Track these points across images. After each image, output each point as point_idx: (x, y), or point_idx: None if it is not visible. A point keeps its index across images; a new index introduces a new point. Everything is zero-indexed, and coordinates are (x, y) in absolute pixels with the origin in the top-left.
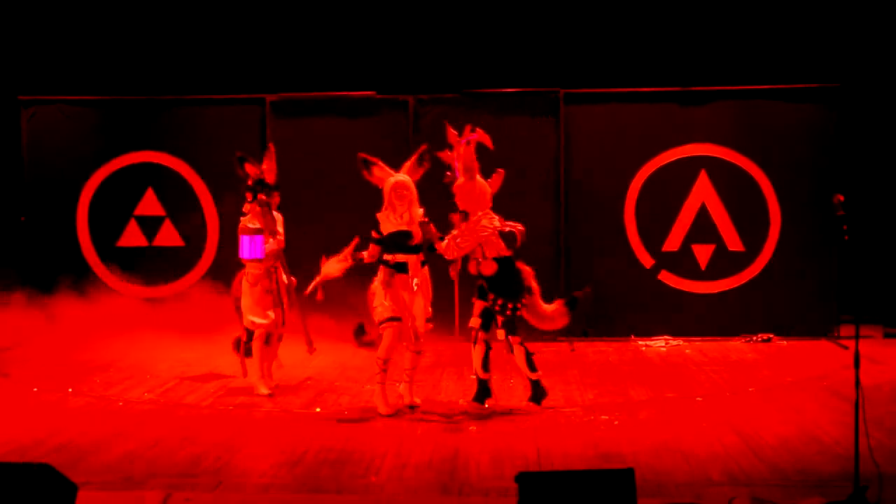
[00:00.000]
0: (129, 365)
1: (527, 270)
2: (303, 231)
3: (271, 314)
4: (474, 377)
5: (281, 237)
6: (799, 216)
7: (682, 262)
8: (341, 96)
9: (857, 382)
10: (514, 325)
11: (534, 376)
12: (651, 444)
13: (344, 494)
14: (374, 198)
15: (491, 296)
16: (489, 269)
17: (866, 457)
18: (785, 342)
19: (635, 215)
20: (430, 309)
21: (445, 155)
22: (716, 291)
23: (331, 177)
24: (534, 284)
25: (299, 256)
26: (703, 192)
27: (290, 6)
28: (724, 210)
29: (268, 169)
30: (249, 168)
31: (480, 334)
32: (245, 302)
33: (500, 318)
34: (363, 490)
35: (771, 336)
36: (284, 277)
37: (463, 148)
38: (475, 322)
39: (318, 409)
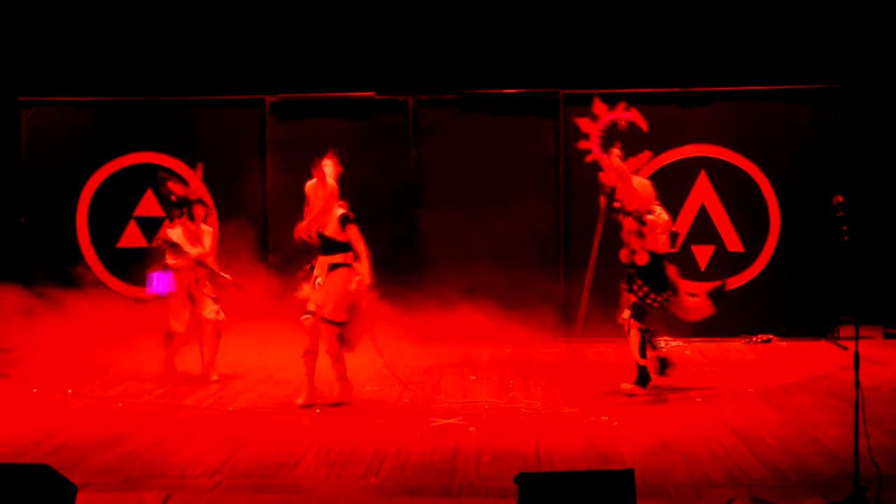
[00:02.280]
0: (128, 366)
1: (673, 269)
2: None
3: (184, 320)
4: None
5: (205, 249)
6: (799, 217)
7: (682, 263)
8: (341, 97)
9: (857, 383)
10: (643, 314)
11: (642, 362)
12: (651, 445)
13: (344, 494)
14: (373, 198)
15: (639, 282)
16: (643, 259)
17: (866, 457)
18: (785, 343)
19: None
20: (333, 310)
21: (585, 124)
22: (707, 287)
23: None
24: (678, 282)
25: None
26: (702, 193)
27: (289, 7)
28: (723, 211)
29: (195, 186)
30: (173, 186)
31: (633, 323)
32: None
33: (633, 299)
34: (363, 490)
35: (771, 337)
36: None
37: (607, 125)
38: (626, 314)
39: (317, 410)
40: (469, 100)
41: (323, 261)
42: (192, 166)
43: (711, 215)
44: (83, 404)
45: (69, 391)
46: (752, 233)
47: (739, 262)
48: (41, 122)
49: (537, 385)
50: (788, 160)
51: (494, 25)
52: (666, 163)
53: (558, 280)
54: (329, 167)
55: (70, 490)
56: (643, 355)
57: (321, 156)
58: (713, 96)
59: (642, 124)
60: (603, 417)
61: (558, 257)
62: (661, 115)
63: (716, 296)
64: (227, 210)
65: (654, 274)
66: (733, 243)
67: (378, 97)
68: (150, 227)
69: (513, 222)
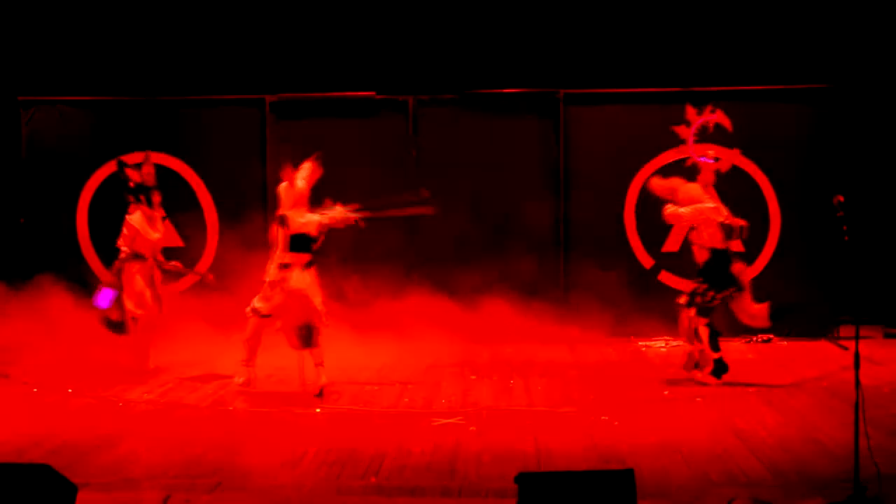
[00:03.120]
0: (128, 366)
1: (741, 268)
2: None
3: (145, 304)
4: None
5: (160, 234)
6: (799, 217)
7: (683, 263)
8: (341, 97)
9: (857, 383)
10: (707, 310)
11: (715, 355)
12: (651, 445)
13: (344, 495)
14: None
15: (699, 279)
16: (702, 256)
17: (866, 457)
18: (785, 343)
19: (635, 215)
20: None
21: (682, 130)
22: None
23: (330, 177)
24: (745, 281)
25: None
26: None
27: (289, 6)
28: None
29: (147, 173)
30: (130, 173)
31: (699, 319)
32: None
33: (698, 299)
34: (363, 490)
35: (771, 336)
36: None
37: (698, 129)
38: (683, 299)
39: (318, 410)
40: (469, 100)
41: (297, 259)
42: (195, 167)
43: None
44: (83, 404)
45: (70, 391)
46: (753, 233)
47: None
48: (41, 122)
49: (537, 384)
50: (788, 160)
51: (494, 25)
52: (666, 162)
53: (558, 280)
54: (306, 171)
55: (70, 490)
56: (714, 349)
57: (324, 155)
58: (713, 96)
59: (727, 124)
60: (603, 417)
61: (558, 257)
62: (661, 115)
63: (777, 315)
64: (227, 210)
65: (713, 271)
66: (734, 243)
67: (378, 97)
68: None
69: (513, 222)
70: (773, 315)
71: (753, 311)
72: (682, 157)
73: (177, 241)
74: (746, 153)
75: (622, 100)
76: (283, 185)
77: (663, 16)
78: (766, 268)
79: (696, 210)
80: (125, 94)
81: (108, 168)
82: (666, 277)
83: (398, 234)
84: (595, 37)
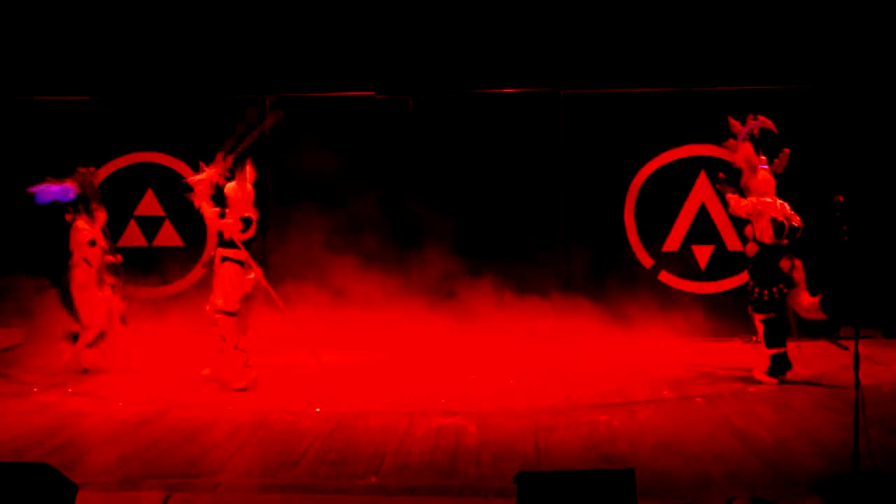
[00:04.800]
0: (128, 365)
1: (792, 263)
2: (301, 231)
3: (99, 314)
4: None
5: (103, 243)
6: (798, 217)
7: (682, 263)
8: (341, 97)
9: (857, 383)
10: (762, 305)
11: (772, 351)
12: (651, 444)
13: (343, 494)
14: (373, 197)
15: (749, 274)
16: (752, 250)
17: (866, 457)
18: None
19: (635, 215)
20: (217, 300)
21: (730, 144)
22: (716, 292)
23: (330, 177)
24: (798, 276)
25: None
26: (702, 193)
27: (290, 6)
28: (723, 211)
29: (89, 184)
30: (77, 182)
31: (755, 315)
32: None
33: (750, 295)
34: (363, 490)
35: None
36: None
37: (743, 142)
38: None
39: (317, 409)
40: (469, 99)
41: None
42: (195, 167)
43: (711, 215)
44: (83, 404)
45: (70, 390)
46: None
47: (739, 262)
48: (40, 122)
49: (537, 384)
50: (788, 160)
51: (494, 25)
52: (666, 162)
53: (559, 280)
54: (249, 172)
55: (70, 489)
56: (769, 345)
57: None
58: (713, 96)
59: (772, 127)
60: (603, 417)
61: (558, 257)
62: (660, 115)
63: (829, 306)
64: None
65: (761, 266)
66: (733, 243)
67: (378, 97)
68: (151, 226)
69: (512, 222)
70: (825, 306)
71: (806, 303)
72: (679, 156)
73: (176, 242)
74: None
75: (622, 100)
76: (231, 185)
77: (663, 15)
78: None
79: (752, 203)
80: (125, 94)
81: (109, 168)
82: (666, 277)
83: (398, 233)
84: (595, 37)
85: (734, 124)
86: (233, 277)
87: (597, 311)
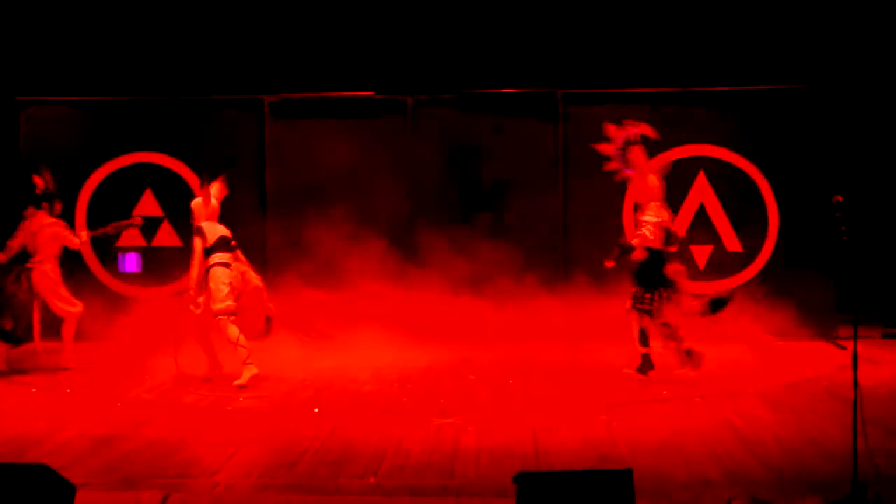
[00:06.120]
0: (127, 365)
1: (676, 269)
2: (301, 231)
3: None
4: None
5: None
6: (797, 217)
7: (682, 263)
8: (340, 97)
9: (856, 383)
10: (644, 309)
11: (643, 350)
12: (651, 445)
13: (343, 495)
14: (372, 197)
15: (633, 279)
16: (639, 256)
17: (865, 457)
18: (783, 343)
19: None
20: (215, 305)
21: (604, 148)
22: (714, 292)
23: (329, 177)
24: (681, 281)
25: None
26: (701, 193)
27: (288, 6)
28: (722, 211)
29: (48, 181)
30: (38, 179)
31: (633, 313)
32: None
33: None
34: (362, 490)
35: (769, 337)
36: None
37: (622, 143)
38: (628, 304)
39: (316, 410)
40: (468, 100)
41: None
42: (194, 167)
43: (710, 215)
44: (83, 404)
45: (68, 391)
46: (751, 233)
47: (738, 262)
48: (40, 122)
49: (536, 383)
50: (788, 160)
51: (493, 25)
52: (665, 163)
53: (558, 280)
54: (215, 189)
55: (69, 490)
56: (642, 344)
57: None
58: (712, 96)
59: (651, 133)
60: (603, 417)
61: (559, 257)
62: (659, 115)
63: (716, 305)
64: (226, 210)
65: (646, 271)
66: (732, 243)
67: (378, 97)
68: (149, 226)
69: (512, 222)
70: (709, 308)
71: (686, 307)
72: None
73: (175, 242)
74: (745, 154)
75: (621, 99)
76: (197, 201)
77: (663, 15)
78: (765, 268)
79: (655, 224)
80: (124, 94)
81: (107, 168)
82: None
83: (397, 233)
84: (593, 37)
85: (610, 128)
86: (219, 279)
87: (596, 310)
